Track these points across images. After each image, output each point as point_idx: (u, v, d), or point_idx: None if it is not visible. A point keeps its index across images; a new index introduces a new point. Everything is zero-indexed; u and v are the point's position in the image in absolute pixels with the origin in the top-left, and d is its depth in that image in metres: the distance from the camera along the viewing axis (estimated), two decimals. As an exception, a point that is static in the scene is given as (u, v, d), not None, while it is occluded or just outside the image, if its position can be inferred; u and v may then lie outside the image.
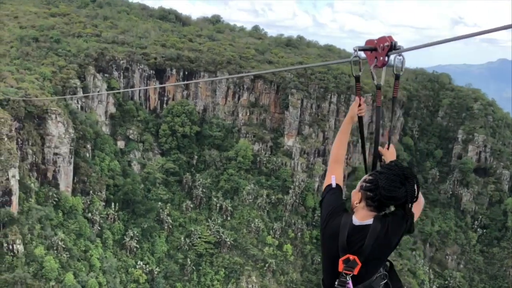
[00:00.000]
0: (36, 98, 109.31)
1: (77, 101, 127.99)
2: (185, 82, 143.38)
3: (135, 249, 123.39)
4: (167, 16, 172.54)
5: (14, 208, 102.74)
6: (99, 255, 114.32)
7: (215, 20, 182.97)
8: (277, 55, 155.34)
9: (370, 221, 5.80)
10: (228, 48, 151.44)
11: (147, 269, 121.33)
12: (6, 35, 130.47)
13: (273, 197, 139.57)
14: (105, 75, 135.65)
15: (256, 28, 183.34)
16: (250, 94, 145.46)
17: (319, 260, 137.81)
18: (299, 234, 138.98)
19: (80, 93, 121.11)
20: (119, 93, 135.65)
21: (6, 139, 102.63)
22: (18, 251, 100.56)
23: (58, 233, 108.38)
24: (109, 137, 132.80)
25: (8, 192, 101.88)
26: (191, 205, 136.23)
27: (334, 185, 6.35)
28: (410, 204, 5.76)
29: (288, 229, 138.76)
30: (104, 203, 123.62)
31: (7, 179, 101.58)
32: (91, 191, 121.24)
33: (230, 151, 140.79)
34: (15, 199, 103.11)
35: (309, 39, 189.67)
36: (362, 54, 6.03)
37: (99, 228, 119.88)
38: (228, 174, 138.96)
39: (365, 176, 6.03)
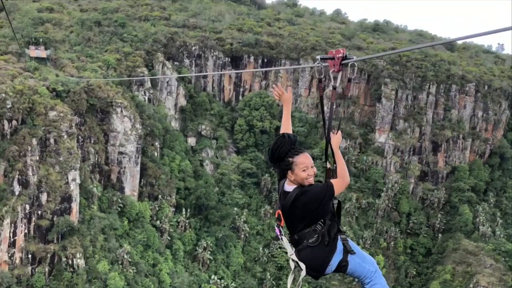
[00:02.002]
0: (99, 79, 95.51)
1: (144, 93, 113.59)
2: (262, 69, 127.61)
3: (208, 262, 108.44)
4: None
5: (74, 217, 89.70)
6: (169, 269, 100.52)
7: (292, 4, 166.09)
8: (365, 41, 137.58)
9: (291, 188, 6.92)
10: (310, 33, 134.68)
11: (222, 285, 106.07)
12: (65, 19, 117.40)
13: (363, 201, 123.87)
14: (175, 63, 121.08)
15: (337, 12, 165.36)
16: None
17: (414, 273, 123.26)
18: (392, 243, 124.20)
19: (148, 83, 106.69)
20: (190, 83, 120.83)
21: (65, 136, 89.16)
22: (78, 267, 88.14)
23: (124, 245, 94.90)
24: (179, 133, 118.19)
25: (68, 198, 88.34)
26: (270, 211, 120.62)
27: None
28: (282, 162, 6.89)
29: (379, 238, 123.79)
30: (174, 209, 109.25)
31: (67, 183, 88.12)
32: (159, 196, 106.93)
33: (314, 148, 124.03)
34: (75, 206, 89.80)
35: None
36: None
37: (169, 238, 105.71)
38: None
39: None
